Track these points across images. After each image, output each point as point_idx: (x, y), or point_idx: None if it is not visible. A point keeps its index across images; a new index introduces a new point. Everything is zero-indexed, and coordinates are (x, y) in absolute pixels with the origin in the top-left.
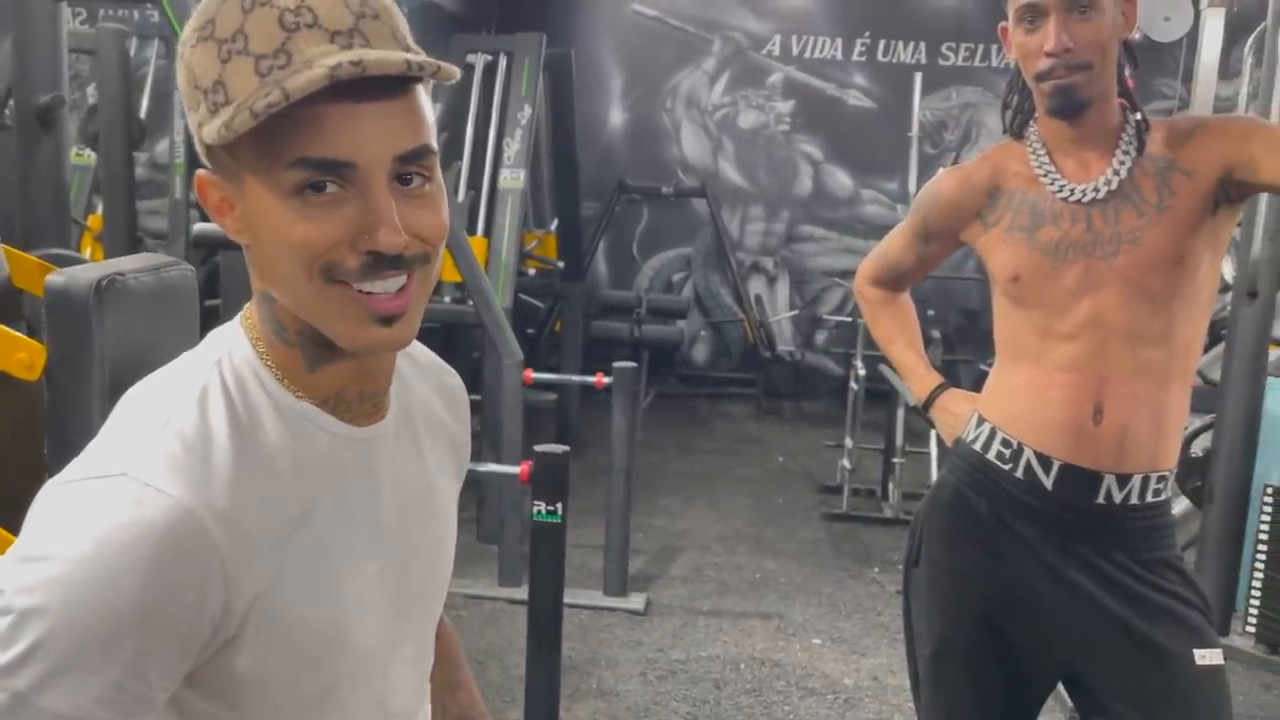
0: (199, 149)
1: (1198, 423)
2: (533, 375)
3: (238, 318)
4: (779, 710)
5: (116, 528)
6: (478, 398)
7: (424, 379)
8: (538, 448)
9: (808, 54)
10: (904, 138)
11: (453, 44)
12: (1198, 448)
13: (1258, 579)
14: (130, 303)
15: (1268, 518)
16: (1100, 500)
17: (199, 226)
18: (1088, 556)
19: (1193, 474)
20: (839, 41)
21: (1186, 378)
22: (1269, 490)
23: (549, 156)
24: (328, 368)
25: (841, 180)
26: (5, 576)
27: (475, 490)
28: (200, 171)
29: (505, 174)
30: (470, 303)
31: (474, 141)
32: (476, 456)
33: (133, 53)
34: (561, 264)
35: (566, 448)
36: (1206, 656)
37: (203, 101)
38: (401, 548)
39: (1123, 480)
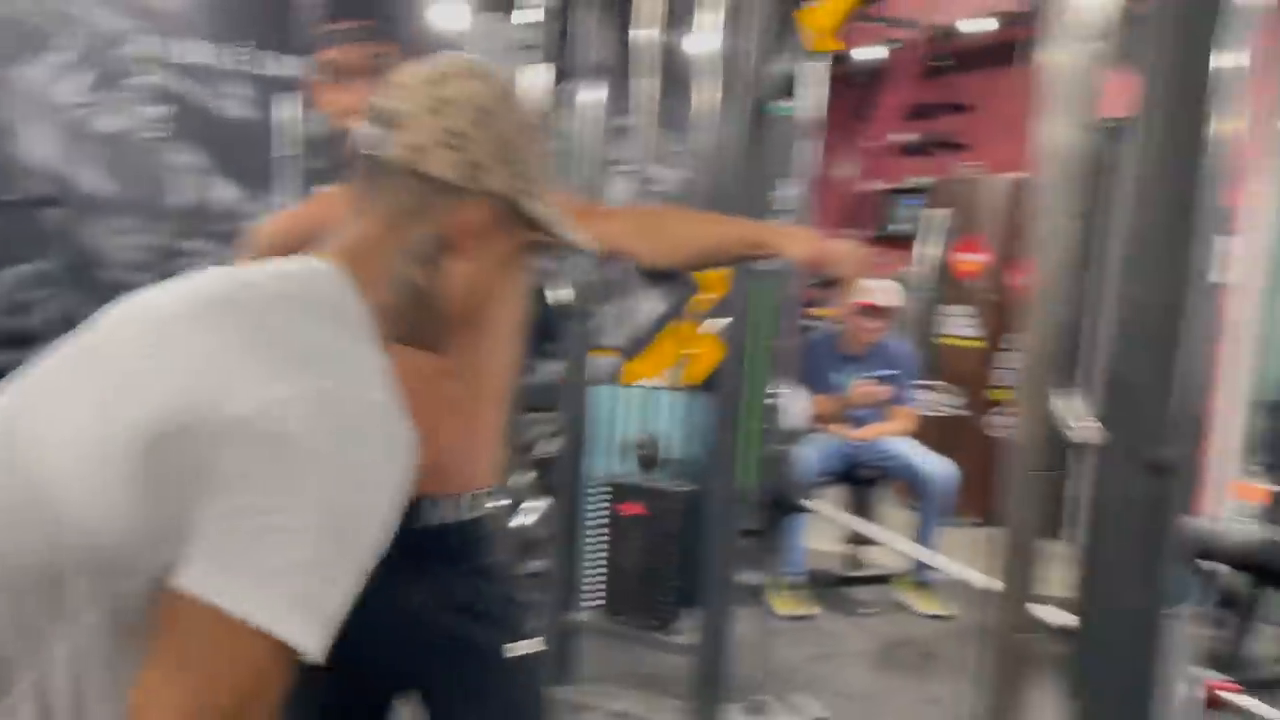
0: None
1: (554, 427)
2: None
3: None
4: None
5: None
6: None
7: None
8: None
9: (182, 58)
10: (286, 154)
11: None
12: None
13: (594, 559)
14: None
15: (599, 508)
16: (433, 522)
17: None
18: (429, 571)
19: (547, 473)
20: (217, 49)
21: (497, 400)
22: (594, 484)
23: None
24: None
25: (226, 192)
26: None
27: None
28: None
29: None
30: None
31: None
32: None
33: None
34: None
35: None
36: (515, 649)
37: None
38: None
39: (447, 501)
